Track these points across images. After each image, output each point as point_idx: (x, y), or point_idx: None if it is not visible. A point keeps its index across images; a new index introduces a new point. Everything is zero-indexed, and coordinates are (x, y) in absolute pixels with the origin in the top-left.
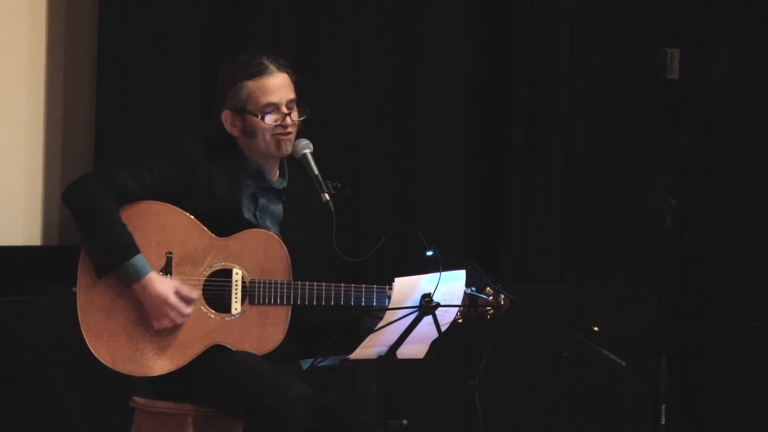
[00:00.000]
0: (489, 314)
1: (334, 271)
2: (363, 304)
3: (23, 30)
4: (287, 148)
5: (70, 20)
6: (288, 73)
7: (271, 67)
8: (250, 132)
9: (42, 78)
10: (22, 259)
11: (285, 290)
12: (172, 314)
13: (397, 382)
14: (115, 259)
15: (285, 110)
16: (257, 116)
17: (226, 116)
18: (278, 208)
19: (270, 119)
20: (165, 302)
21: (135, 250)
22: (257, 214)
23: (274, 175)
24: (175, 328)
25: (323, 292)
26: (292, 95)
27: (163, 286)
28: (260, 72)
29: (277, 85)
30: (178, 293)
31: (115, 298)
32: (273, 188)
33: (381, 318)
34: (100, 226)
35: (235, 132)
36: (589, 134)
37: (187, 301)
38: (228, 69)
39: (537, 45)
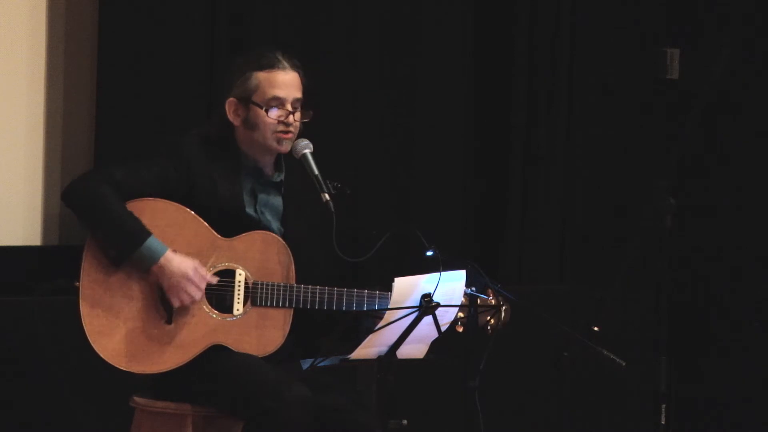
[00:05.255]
0: (490, 326)
1: (333, 271)
2: (365, 308)
3: (23, 30)
4: (286, 146)
5: (70, 20)
6: (299, 73)
7: (285, 63)
8: (251, 123)
9: (42, 78)
10: (22, 259)
11: (287, 293)
12: (191, 289)
13: (397, 382)
14: (131, 245)
15: (289, 108)
16: (262, 108)
17: (230, 104)
18: (278, 201)
19: (274, 114)
20: (185, 276)
21: (147, 232)
22: (258, 209)
23: (271, 170)
24: (176, 326)
25: (325, 296)
26: (299, 95)
27: (184, 262)
28: (273, 65)
29: (287, 82)
30: (196, 269)
31: (118, 295)
32: (271, 182)
33: (381, 318)
34: (106, 216)
35: (236, 122)
36: (589, 134)
37: (204, 278)
38: (240, 58)
39: (537, 45)
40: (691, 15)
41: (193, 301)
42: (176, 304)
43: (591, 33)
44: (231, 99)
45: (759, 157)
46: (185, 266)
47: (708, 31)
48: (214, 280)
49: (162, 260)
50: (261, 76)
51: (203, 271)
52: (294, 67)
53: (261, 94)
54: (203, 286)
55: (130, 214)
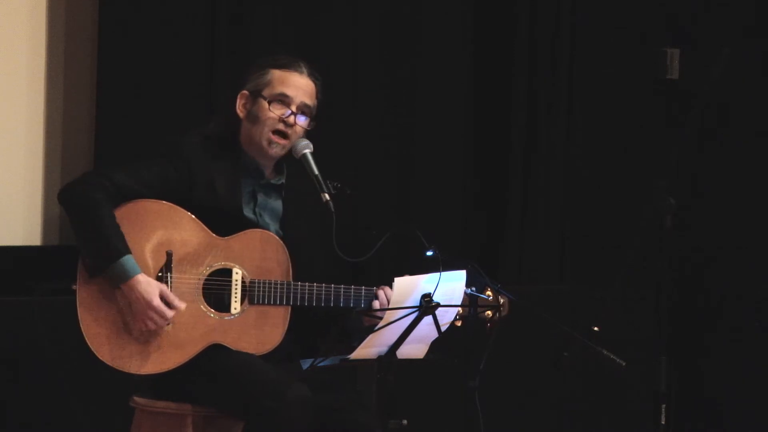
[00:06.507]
0: (489, 321)
1: (333, 271)
2: (363, 305)
3: (23, 30)
4: (276, 150)
5: (70, 20)
6: (316, 84)
7: (304, 68)
8: (254, 116)
9: (42, 78)
10: (22, 259)
11: (284, 291)
12: (155, 317)
13: (397, 382)
14: (105, 260)
15: (294, 109)
16: (266, 100)
17: (241, 96)
18: (277, 204)
19: (276, 109)
20: (149, 305)
21: (125, 251)
22: (257, 211)
23: (272, 172)
24: (174, 326)
25: (323, 294)
26: (308, 101)
27: (149, 288)
28: (290, 66)
29: (299, 84)
30: (162, 296)
31: (115, 296)
32: (272, 184)
33: (381, 318)
34: (91, 226)
35: (242, 114)
36: (590, 134)
37: (170, 306)
38: (264, 57)
39: (537, 46)
40: (691, 15)
41: (157, 329)
42: (139, 328)
43: (591, 33)
44: (243, 91)
45: (759, 157)
46: (150, 294)
47: (708, 31)
48: (182, 306)
49: (131, 281)
50: (276, 73)
51: (171, 298)
52: (312, 76)
53: (271, 89)
54: (169, 315)
55: (116, 227)
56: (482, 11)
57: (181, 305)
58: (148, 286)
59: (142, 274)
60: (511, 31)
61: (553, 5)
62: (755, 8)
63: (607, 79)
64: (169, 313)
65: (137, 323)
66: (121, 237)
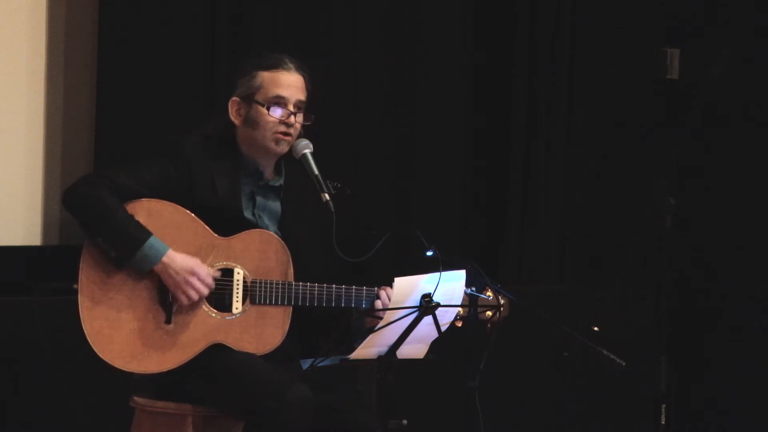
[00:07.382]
0: (490, 322)
1: (333, 271)
2: (364, 305)
3: (23, 30)
4: (283, 147)
5: (70, 20)
6: (304, 77)
7: (290, 65)
8: (252, 122)
9: (42, 78)
10: (22, 259)
11: (286, 291)
12: (198, 285)
13: (397, 382)
14: (133, 246)
15: (292, 109)
16: (263, 106)
17: (232, 103)
18: (276, 206)
19: (276, 113)
20: (192, 272)
21: (147, 234)
22: (256, 212)
23: (271, 173)
24: (176, 326)
25: (324, 294)
26: (302, 97)
27: (186, 259)
28: (278, 65)
29: (291, 83)
30: (200, 265)
31: (117, 296)
32: (270, 186)
33: (373, 317)
34: (106, 219)
35: (238, 120)
36: (589, 134)
37: (208, 273)
38: (246, 59)
39: (537, 46)
40: (691, 15)
41: (200, 297)
42: (185, 301)
43: (591, 33)
44: (234, 98)
45: (759, 157)
46: (190, 262)
47: (708, 31)
48: (218, 274)
49: (165, 259)
50: (265, 75)
51: (206, 268)
52: (299, 70)
53: (264, 93)
54: (209, 281)
55: (131, 216)
56: (482, 11)
57: (216, 273)
58: (184, 258)
59: (171, 249)
60: (511, 31)
61: (553, 5)
62: (755, 8)
63: (607, 79)
64: (210, 280)
65: (181, 296)
66: (137, 222)
